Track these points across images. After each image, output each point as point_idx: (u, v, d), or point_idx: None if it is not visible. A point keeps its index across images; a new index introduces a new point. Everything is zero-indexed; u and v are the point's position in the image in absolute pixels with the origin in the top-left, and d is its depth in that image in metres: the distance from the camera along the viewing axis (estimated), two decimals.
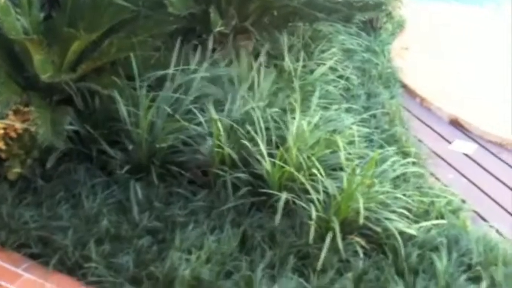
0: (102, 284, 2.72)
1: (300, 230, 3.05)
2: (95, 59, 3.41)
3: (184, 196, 3.18)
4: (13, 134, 3.08)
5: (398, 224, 3.04)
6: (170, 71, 3.54)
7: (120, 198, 3.09)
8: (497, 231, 3.33)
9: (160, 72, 3.53)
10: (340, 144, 3.30)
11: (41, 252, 2.82)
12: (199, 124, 3.35)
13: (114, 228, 2.91)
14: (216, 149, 3.24)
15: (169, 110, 3.35)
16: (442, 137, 4.34)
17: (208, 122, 3.33)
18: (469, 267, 3.01)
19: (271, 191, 3.14)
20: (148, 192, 3.14)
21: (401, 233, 3.00)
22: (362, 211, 2.92)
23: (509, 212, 3.61)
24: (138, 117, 3.27)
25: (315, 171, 3.16)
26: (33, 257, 2.82)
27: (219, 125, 3.24)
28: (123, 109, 3.27)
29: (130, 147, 3.26)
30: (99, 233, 2.88)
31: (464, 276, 2.93)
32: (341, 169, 3.33)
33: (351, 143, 3.55)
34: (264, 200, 3.17)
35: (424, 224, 3.16)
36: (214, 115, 3.30)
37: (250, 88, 3.66)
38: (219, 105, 3.48)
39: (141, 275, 2.72)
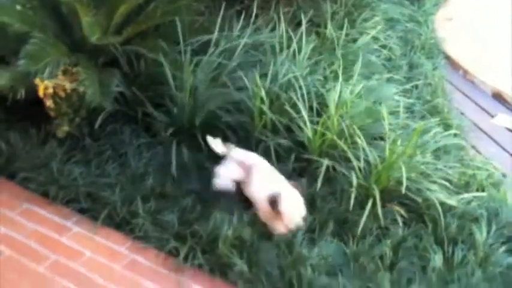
0: (148, 239, 2.80)
1: (340, 196, 3.08)
2: (140, 22, 3.44)
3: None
4: (62, 94, 3.12)
5: (439, 195, 3.04)
6: (214, 36, 3.56)
7: (164, 160, 3.15)
8: None
9: (205, 37, 3.55)
10: (384, 114, 3.29)
11: (89, 207, 2.90)
12: (242, 89, 3.38)
13: (160, 187, 2.99)
14: (259, 115, 3.26)
15: (212, 74, 3.38)
16: (485, 110, 4.28)
17: (252, 87, 3.35)
18: (509, 239, 3.01)
19: (312, 157, 3.17)
20: (191, 154, 3.19)
21: (441, 203, 3.01)
22: (404, 181, 2.92)
23: None
24: (182, 81, 3.31)
25: (356, 139, 3.17)
26: (81, 211, 2.89)
27: (262, 90, 3.26)
28: (168, 73, 3.32)
29: (175, 110, 3.32)
30: (145, 190, 2.95)
31: (503, 248, 2.94)
32: (381, 139, 3.33)
33: (393, 113, 3.53)
34: (305, 166, 3.21)
35: (464, 195, 3.15)
36: (258, 80, 3.31)
37: (293, 55, 3.66)
38: (261, 71, 3.49)
39: (186, 232, 2.79)
